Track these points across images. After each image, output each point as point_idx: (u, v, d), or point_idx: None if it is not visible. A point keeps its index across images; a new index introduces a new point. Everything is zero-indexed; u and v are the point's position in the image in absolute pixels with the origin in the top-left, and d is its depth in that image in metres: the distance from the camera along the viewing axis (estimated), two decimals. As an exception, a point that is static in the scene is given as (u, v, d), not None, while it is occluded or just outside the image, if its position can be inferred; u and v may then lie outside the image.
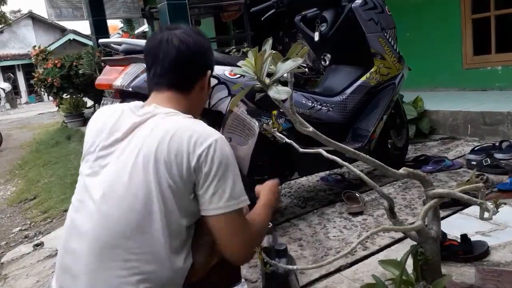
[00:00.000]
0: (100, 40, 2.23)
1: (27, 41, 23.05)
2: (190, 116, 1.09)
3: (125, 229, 0.95)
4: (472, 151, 2.62)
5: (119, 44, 2.01)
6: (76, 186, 1.09)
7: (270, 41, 0.99)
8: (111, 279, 0.94)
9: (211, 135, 1.00)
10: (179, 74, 1.14)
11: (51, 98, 9.80)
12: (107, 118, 1.09)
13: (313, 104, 2.15)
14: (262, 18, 2.53)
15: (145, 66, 1.77)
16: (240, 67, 0.97)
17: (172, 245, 0.98)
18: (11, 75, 22.10)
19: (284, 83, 0.97)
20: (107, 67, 1.99)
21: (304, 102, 2.13)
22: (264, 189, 1.26)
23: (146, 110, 1.08)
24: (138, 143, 1.00)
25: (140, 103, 1.12)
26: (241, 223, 1.04)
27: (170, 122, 1.04)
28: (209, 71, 1.20)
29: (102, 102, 2.03)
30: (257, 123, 1.57)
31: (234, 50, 5.15)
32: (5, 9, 25.02)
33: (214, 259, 1.10)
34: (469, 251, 1.48)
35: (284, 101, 0.97)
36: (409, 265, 1.18)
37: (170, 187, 0.96)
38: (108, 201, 0.97)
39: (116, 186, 0.97)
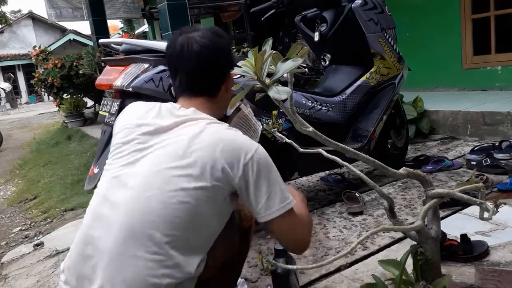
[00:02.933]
0: (100, 40, 2.23)
1: (27, 41, 23.06)
2: (227, 125, 1.10)
3: (157, 221, 0.95)
4: (472, 151, 2.62)
5: (119, 44, 2.01)
6: (101, 181, 1.08)
7: (270, 41, 0.99)
8: (138, 269, 0.93)
9: (252, 146, 1.03)
10: (204, 81, 1.15)
11: (51, 98, 9.81)
12: (144, 113, 1.10)
13: (313, 104, 2.15)
14: (262, 18, 2.54)
15: (145, 66, 1.80)
16: (240, 67, 0.97)
17: (198, 244, 1.01)
18: (12, 75, 22.11)
19: (284, 83, 0.98)
20: (107, 67, 2.00)
21: (304, 102, 2.13)
22: (293, 192, 1.29)
23: (185, 112, 1.09)
24: (182, 143, 1.00)
25: (176, 104, 1.13)
26: (296, 218, 1.09)
27: (219, 130, 1.05)
28: (231, 70, 1.19)
29: (102, 102, 2.03)
30: (261, 126, 1.58)
31: (234, 50, 5.14)
32: (5, 9, 25.12)
33: (225, 257, 1.11)
34: (469, 251, 1.48)
35: (284, 101, 0.98)
36: (409, 265, 1.18)
37: (212, 188, 0.98)
38: (146, 191, 0.97)
39: (153, 181, 0.98)
